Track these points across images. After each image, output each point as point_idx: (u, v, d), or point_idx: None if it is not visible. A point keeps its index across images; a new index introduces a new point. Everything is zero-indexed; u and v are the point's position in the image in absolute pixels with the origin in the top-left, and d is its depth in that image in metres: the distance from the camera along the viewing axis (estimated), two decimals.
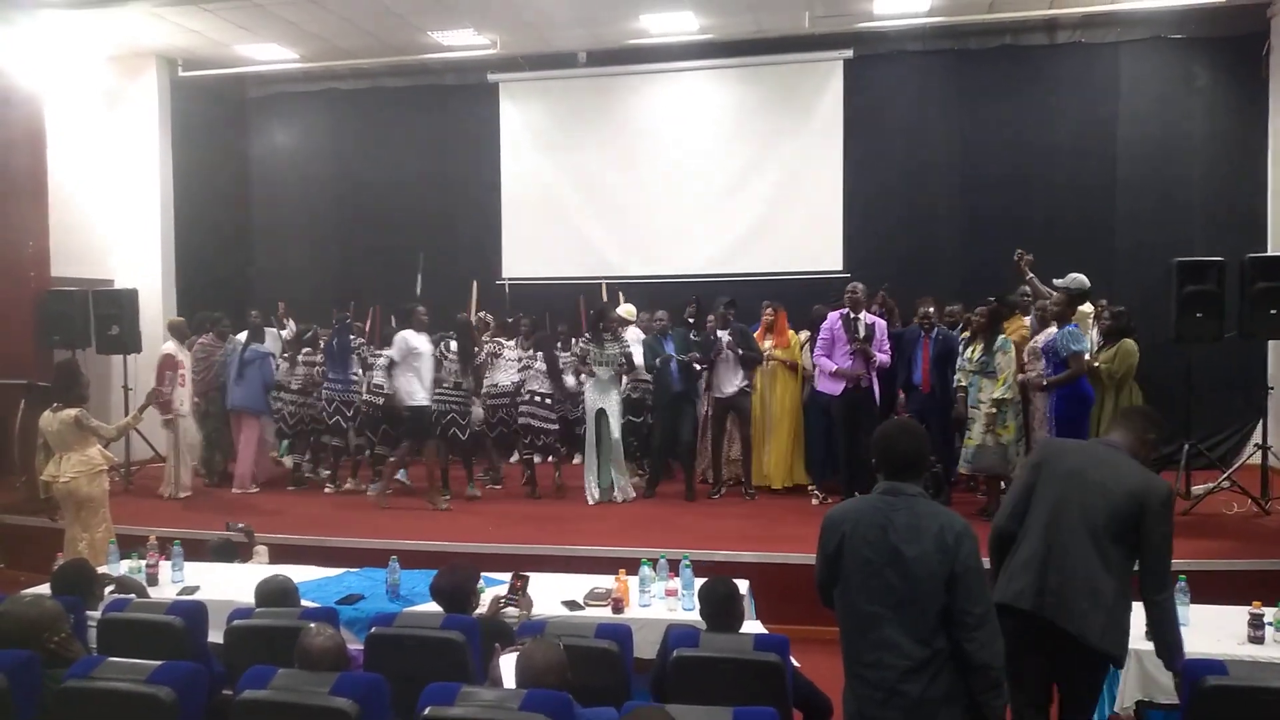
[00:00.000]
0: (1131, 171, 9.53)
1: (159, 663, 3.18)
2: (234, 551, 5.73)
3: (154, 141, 10.59)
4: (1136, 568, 3.30)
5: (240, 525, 6.16)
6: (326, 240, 11.45)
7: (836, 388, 7.35)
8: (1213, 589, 4.41)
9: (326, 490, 8.70)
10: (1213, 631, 3.96)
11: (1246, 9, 9.03)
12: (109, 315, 9.13)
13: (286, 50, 10.37)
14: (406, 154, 11.24)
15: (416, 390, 7.76)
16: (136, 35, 9.84)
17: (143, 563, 5.03)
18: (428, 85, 11.24)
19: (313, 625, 3.29)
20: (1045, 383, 6.66)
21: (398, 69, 11.06)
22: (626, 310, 9.05)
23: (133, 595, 4.37)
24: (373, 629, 3.74)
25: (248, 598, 4.20)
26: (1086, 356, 6.66)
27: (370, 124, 11.42)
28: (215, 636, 3.99)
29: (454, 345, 8.11)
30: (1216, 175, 9.39)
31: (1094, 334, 7.53)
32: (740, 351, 7.91)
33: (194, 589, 4.82)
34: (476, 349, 8.26)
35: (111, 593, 4.41)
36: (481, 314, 9.55)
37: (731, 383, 7.98)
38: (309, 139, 11.65)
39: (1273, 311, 7.06)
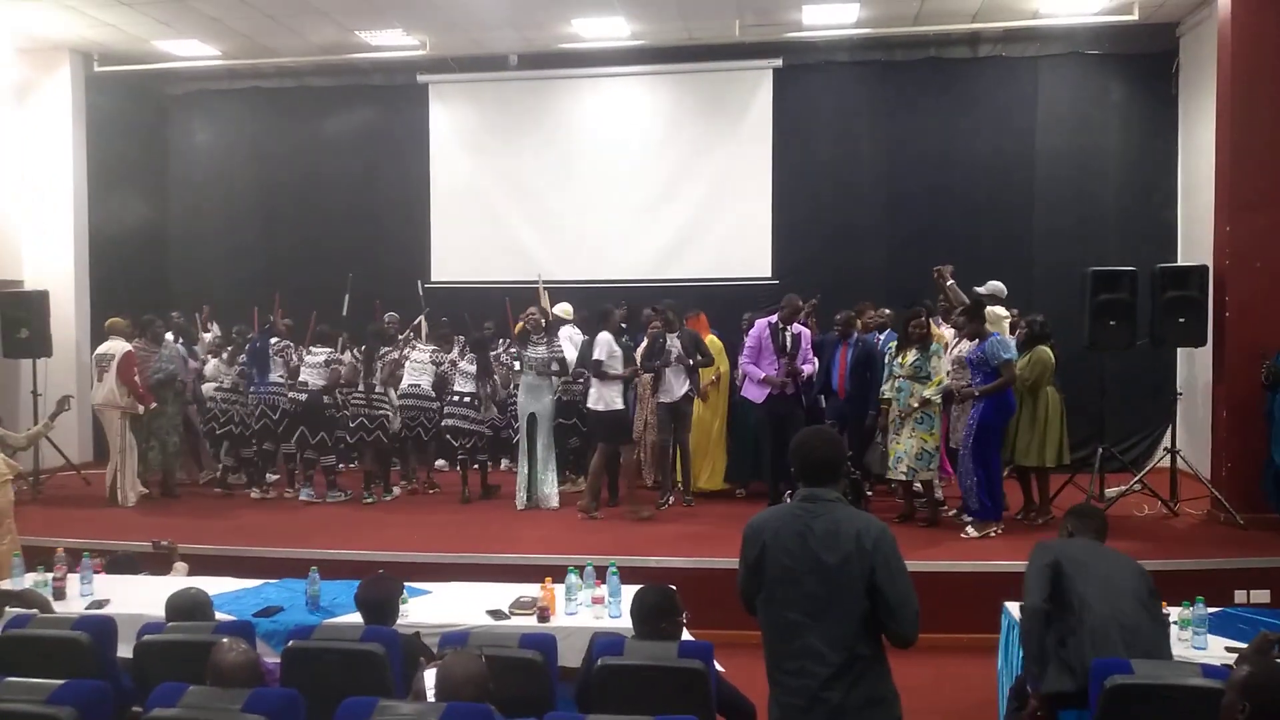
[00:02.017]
0: (1049, 182, 9.82)
1: (61, 682, 3.07)
2: (135, 565, 5.55)
3: (67, 138, 10.23)
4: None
5: (165, 542, 5.96)
6: (249, 242, 11.16)
7: (761, 394, 7.42)
8: None
9: (253, 494, 8.46)
10: None
11: (1158, 28, 9.39)
12: (17, 318, 8.82)
13: (208, 47, 10.11)
14: (333, 155, 11.03)
15: (616, 396, 7.54)
16: (48, 28, 9.49)
17: (49, 576, 4.84)
18: (355, 85, 11.05)
19: (225, 640, 3.20)
20: (977, 392, 6.75)
21: (324, 68, 10.86)
22: (563, 309, 9.01)
23: (35, 611, 4.19)
24: (290, 642, 3.66)
25: (160, 611, 4.06)
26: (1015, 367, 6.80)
27: (296, 124, 11.18)
28: (126, 651, 3.86)
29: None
30: (1129, 187, 9.73)
31: (1009, 339, 7.72)
32: (691, 361, 7.86)
33: (103, 603, 4.65)
34: (384, 352, 8.17)
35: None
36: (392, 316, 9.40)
37: (679, 389, 7.94)
38: (231, 138, 11.36)
39: (1181, 320, 7.32)
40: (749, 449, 8.29)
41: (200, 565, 5.80)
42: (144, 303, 10.00)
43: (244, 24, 9.43)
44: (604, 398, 7.50)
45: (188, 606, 3.99)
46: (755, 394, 7.46)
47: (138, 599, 4.66)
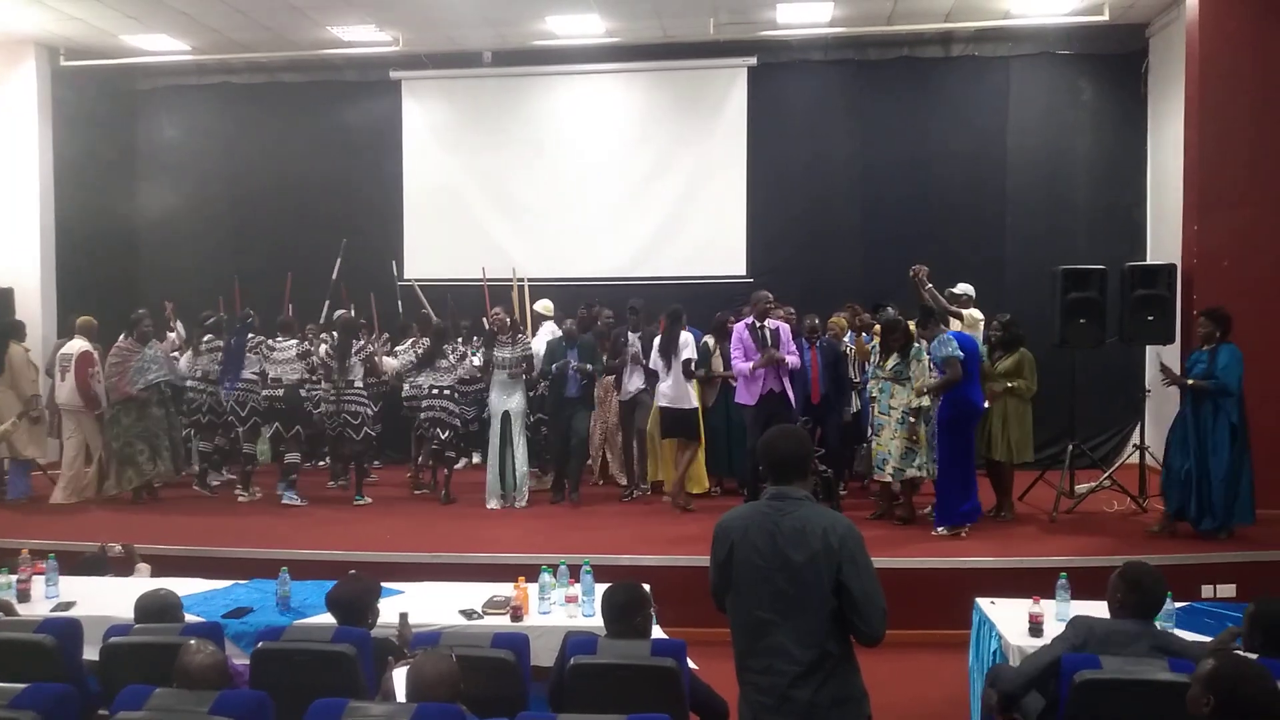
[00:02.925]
0: (1020, 181, 9.90)
1: (25, 685, 3.02)
2: (103, 566, 5.46)
3: (32, 133, 10.05)
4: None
5: (119, 546, 5.85)
6: (219, 238, 11.03)
7: (753, 396, 7.39)
8: (1092, 585, 4.56)
9: (240, 497, 8.30)
10: None
11: (1128, 29, 9.50)
12: None
13: (177, 42, 9.98)
14: (305, 151, 10.92)
15: (693, 394, 7.70)
16: (12, 21, 9.31)
17: (14, 578, 4.76)
18: (327, 81, 10.95)
19: (193, 642, 3.17)
20: (925, 389, 6.77)
21: (296, 64, 10.76)
22: (543, 306, 8.99)
23: None
24: (259, 643, 3.62)
25: (128, 613, 4.01)
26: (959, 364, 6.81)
27: (267, 120, 11.06)
28: (92, 654, 3.81)
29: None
30: (1099, 186, 9.83)
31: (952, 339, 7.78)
32: (644, 363, 7.96)
33: (69, 605, 4.59)
34: (356, 347, 8.14)
35: None
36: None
37: (634, 383, 8.03)
38: (201, 134, 11.21)
39: (1150, 318, 7.39)
40: (725, 446, 8.31)
41: (169, 566, 5.73)
42: (112, 300, 9.90)
43: (214, 19, 9.32)
44: (686, 395, 7.65)
45: (157, 608, 3.94)
46: (747, 396, 7.44)
47: (104, 601, 4.60)
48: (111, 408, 8.21)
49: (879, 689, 3.11)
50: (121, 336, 8.28)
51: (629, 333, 8.05)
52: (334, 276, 8.90)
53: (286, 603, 4.60)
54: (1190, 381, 6.51)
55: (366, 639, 3.60)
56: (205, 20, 9.34)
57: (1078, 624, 3.49)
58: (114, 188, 11.01)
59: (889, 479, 7.17)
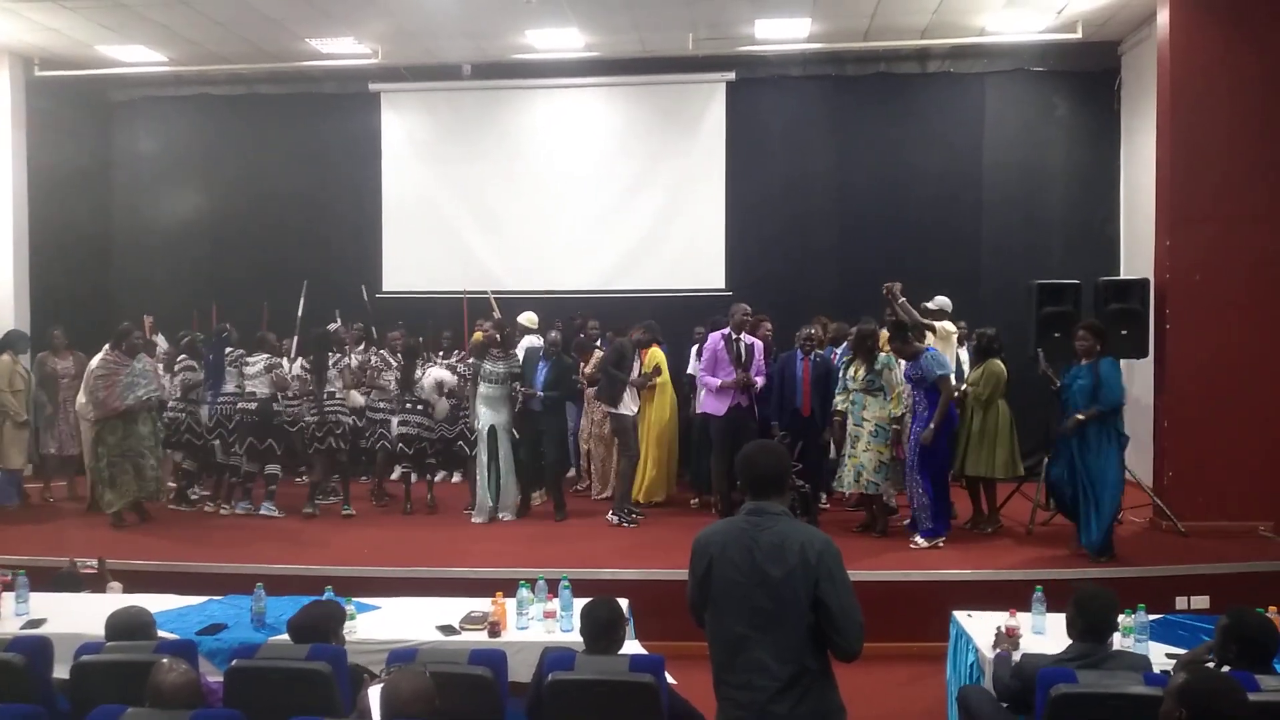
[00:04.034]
0: (996, 196, 10.00)
1: None
2: (78, 583, 5.39)
3: (6, 143, 9.95)
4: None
5: (91, 561, 5.76)
6: (195, 250, 10.95)
7: (720, 408, 7.41)
8: (1067, 597, 4.61)
9: (207, 509, 8.25)
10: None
11: (1100, 46, 9.61)
12: None
13: (154, 52, 9.91)
14: (284, 163, 10.88)
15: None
16: None
17: None
18: (307, 93, 10.92)
19: (165, 660, 3.12)
20: (933, 426, 6.68)
21: (275, 75, 10.71)
22: (527, 318, 8.97)
23: None
24: (234, 661, 3.58)
25: (99, 630, 3.95)
26: (952, 379, 6.89)
27: (245, 131, 11.01)
28: (63, 673, 3.76)
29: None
30: (1073, 201, 9.95)
31: (961, 353, 7.83)
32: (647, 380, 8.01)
33: (40, 622, 4.52)
34: (335, 359, 8.13)
35: None
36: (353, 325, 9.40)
37: (631, 404, 7.99)
38: (178, 146, 11.15)
39: (1124, 332, 7.46)
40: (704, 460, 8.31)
41: (143, 582, 5.66)
42: (86, 312, 9.83)
43: (192, 31, 9.27)
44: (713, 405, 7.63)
45: (129, 625, 3.88)
46: (715, 407, 7.45)
47: (75, 618, 4.54)
48: (97, 424, 7.86)
49: (857, 702, 3.11)
50: (105, 348, 8.11)
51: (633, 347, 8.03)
52: (299, 315, 8.74)
53: (262, 619, 4.55)
54: (1080, 416, 6.41)
55: (342, 656, 3.57)
56: (183, 32, 9.28)
57: (1020, 669, 3.64)
58: (89, 199, 10.94)
59: (863, 491, 7.19)
